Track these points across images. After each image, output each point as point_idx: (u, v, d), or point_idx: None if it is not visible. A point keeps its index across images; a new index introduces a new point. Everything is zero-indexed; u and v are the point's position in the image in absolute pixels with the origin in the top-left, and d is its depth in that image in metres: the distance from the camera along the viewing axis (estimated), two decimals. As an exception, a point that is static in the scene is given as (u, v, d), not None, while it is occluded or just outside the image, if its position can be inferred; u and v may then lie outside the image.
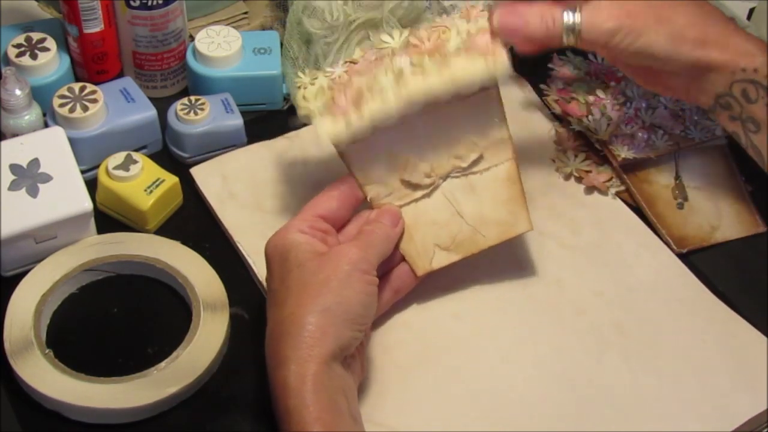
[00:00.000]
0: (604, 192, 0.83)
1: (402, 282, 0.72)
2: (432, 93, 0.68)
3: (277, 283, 0.66)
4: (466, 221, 0.73)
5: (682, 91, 0.75)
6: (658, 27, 0.69)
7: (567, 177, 0.84)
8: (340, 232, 0.70)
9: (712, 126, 0.86)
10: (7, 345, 0.68)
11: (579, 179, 0.83)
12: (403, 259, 0.72)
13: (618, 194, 0.83)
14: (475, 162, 0.73)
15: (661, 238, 0.80)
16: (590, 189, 0.83)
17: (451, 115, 0.71)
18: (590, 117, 0.85)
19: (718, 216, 0.81)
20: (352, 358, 0.65)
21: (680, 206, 0.81)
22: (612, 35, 0.69)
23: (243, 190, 0.81)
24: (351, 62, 0.71)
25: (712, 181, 0.83)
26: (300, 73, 0.71)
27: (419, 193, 0.72)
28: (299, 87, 0.70)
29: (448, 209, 0.73)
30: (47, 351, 0.69)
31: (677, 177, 0.83)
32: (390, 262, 0.71)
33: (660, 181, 0.83)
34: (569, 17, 0.69)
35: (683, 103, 0.87)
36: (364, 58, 0.71)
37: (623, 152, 0.82)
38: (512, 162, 0.73)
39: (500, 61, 0.68)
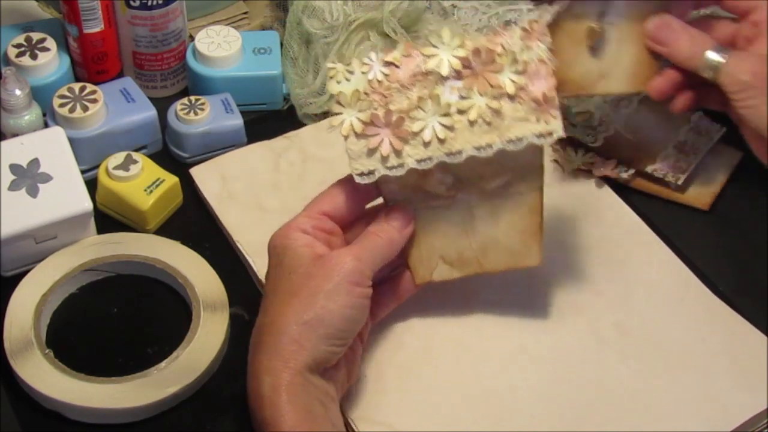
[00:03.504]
0: (617, 179, 0.83)
1: (404, 288, 0.70)
2: (477, 150, 0.65)
3: (271, 285, 0.65)
4: (476, 241, 0.69)
5: None
6: None
7: (573, 173, 0.83)
8: (349, 231, 0.68)
9: None
10: (7, 345, 0.68)
11: (588, 172, 0.83)
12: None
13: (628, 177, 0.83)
14: (502, 185, 0.68)
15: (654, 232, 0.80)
16: (590, 187, 0.83)
17: None
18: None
19: (616, 64, 0.73)
20: (335, 369, 0.64)
21: (593, 53, 0.73)
22: (741, 89, 0.69)
23: (243, 190, 0.81)
24: (393, 63, 0.65)
25: (636, 22, 0.73)
26: (333, 60, 0.67)
27: (437, 202, 0.69)
28: (332, 76, 0.65)
29: (461, 224, 0.69)
30: (47, 351, 0.69)
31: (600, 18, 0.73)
32: (395, 265, 0.69)
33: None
34: (714, 56, 0.70)
35: None
36: (406, 62, 0.66)
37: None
38: (538, 192, 0.68)
39: (554, 124, 0.65)
